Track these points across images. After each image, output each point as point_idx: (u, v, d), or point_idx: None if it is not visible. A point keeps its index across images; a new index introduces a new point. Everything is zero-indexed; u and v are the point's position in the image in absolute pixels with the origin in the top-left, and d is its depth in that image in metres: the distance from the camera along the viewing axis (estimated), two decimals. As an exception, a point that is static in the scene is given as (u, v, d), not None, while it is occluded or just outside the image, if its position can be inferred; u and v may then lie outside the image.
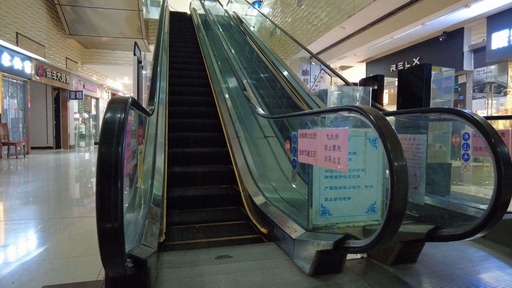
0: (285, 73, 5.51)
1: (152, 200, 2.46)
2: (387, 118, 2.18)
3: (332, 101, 3.14)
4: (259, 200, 2.73)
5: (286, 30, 12.09)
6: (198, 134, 4.15)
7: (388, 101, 11.90)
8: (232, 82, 5.05)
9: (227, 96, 4.86)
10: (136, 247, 1.44)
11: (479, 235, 1.41)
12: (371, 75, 12.28)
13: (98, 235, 0.87)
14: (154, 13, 13.08)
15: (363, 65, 13.80)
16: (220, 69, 5.91)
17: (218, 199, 3.08)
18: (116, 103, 1.04)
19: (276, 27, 9.85)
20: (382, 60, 12.60)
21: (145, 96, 7.25)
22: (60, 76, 12.46)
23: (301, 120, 2.68)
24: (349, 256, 1.88)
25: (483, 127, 1.40)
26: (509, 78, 8.61)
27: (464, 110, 1.47)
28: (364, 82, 5.75)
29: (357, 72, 14.45)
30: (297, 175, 2.42)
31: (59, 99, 13.24)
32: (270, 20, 10.92)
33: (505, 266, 1.86)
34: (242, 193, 3.07)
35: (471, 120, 1.45)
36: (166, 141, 3.67)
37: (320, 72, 7.27)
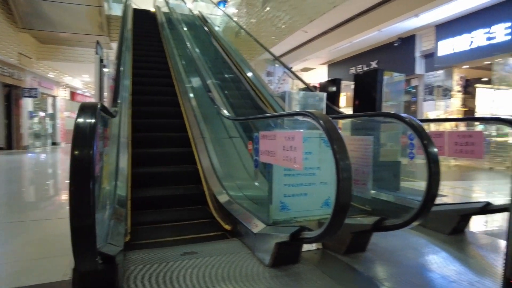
0: (250, 74, 5.64)
1: (117, 201, 2.48)
2: (342, 121, 2.39)
3: (292, 103, 3.32)
4: (223, 198, 2.84)
5: (251, 31, 12.25)
6: (163, 134, 4.17)
7: (346, 103, 12.46)
8: (197, 82, 5.09)
9: (192, 95, 4.90)
10: (104, 246, 1.49)
11: (415, 223, 1.62)
12: (331, 78, 12.78)
13: (71, 233, 0.93)
14: (116, 10, 12.68)
15: (325, 67, 14.32)
16: (185, 69, 5.92)
17: (183, 199, 3.15)
18: (87, 108, 1.11)
19: (241, 28, 9.97)
20: (343, 62, 13.16)
21: (106, 94, 7.06)
22: (13, 73, 11.73)
23: (263, 121, 2.82)
24: (306, 248, 2.05)
25: (417, 129, 1.61)
26: (454, 82, 9.39)
27: (402, 115, 1.68)
28: (323, 85, 6.04)
29: (319, 74, 14.95)
30: (259, 174, 2.55)
31: (11, 97, 12.45)
32: (235, 21, 11.02)
33: (440, 250, 2.12)
34: (207, 192, 3.16)
35: (408, 123, 1.66)
36: (130, 142, 3.66)
37: (283, 75, 7.50)
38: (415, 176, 3.28)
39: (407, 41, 10.14)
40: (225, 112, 3.24)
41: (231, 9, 16.12)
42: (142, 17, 10.60)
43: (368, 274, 1.78)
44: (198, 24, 8.15)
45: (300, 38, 10.78)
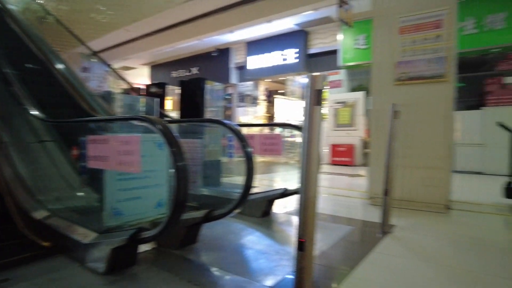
0: (63, 68, 4.97)
1: None
2: (173, 125, 2.55)
3: (119, 105, 3.22)
4: (38, 213, 2.47)
5: (63, 20, 10.64)
6: None
7: (172, 107, 12.74)
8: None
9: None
10: None
11: (237, 211, 1.97)
12: (153, 79, 12.73)
13: None
14: None
15: (147, 68, 14.09)
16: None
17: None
18: None
19: (47, 13, 8.51)
20: (165, 65, 13.32)
21: None
22: None
23: (88, 124, 2.63)
24: (141, 249, 2.09)
25: (237, 133, 1.97)
26: (260, 92, 11.21)
27: (225, 121, 2.01)
28: (150, 87, 6.02)
29: (140, 74, 14.57)
30: (87, 181, 2.39)
31: None
32: (37, 2, 9.30)
33: (255, 231, 2.61)
34: (14, 209, 2.65)
35: (230, 128, 2.00)
36: None
37: (104, 73, 6.97)
38: (233, 172, 3.81)
39: (224, 52, 11.32)
40: (37, 113, 2.80)
41: (30, -12, 13.42)
42: None
43: (199, 261, 2.02)
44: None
45: (122, 37, 10.23)
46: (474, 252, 2.23)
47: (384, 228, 2.62)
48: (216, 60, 11.49)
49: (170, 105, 12.85)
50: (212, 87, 4.03)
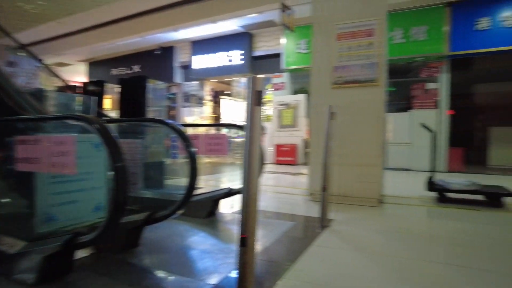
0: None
1: None
2: (112, 124, 2.46)
3: (52, 104, 3.00)
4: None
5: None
6: None
7: (112, 106, 12.07)
8: None
9: None
10: None
11: (180, 212, 1.96)
12: (92, 77, 11.98)
13: None
14: None
15: (84, 64, 13.20)
16: None
17: None
18: None
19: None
20: (105, 62, 12.60)
21: None
22: None
23: (16, 124, 2.41)
24: (80, 255, 1.98)
25: (180, 133, 1.96)
26: (205, 92, 11.13)
27: (167, 120, 1.99)
28: (87, 85, 5.66)
29: (77, 71, 13.59)
30: (13, 186, 2.19)
31: None
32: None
33: (200, 231, 2.61)
34: None
35: (173, 127, 1.98)
36: None
37: (34, 68, 6.39)
38: (177, 174, 3.75)
39: (168, 51, 11.02)
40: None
41: None
42: None
43: (142, 265, 1.97)
44: None
45: (56, 30, 9.44)
46: (402, 240, 2.48)
47: (323, 222, 2.79)
48: (160, 59, 11.15)
49: (109, 104, 12.18)
50: (154, 85, 3.92)
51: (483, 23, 6.86)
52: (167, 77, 10.85)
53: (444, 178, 4.08)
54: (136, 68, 11.80)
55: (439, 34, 7.14)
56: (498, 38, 6.76)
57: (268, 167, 8.03)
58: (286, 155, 8.51)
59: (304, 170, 7.00)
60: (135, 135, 2.77)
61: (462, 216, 3.22)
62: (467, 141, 8.86)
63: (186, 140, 1.92)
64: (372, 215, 3.25)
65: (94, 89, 5.41)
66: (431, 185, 3.88)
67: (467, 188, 3.67)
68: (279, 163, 8.58)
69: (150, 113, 4.80)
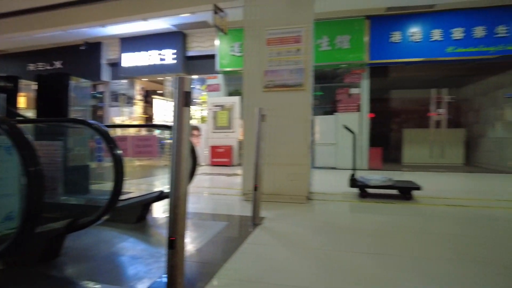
0: None
1: None
2: (27, 125, 2.26)
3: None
4: None
5: None
6: None
7: (27, 105, 10.85)
8: None
9: None
10: None
11: (105, 217, 1.86)
12: (4, 72, 10.62)
13: None
14: None
15: (-7, 58, 11.65)
16: None
17: None
18: None
19: None
20: (20, 56, 11.30)
21: None
22: None
23: None
24: (-16, 272, 1.77)
25: (104, 134, 1.86)
26: (136, 92, 10.63)
27: (89, 121, 1.88)
28: (-5, 81, 5.03)
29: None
30: None
31: None
32: None
33: (129, 237, 2.50)
34: None
35: (95, 128, 1.88)
36: None
37: None
38: (103, 178, 3.54)
39: (94, 47, 10.27)
40: None
41: None
42: None
43: (64, 275, 1.83)
44: None
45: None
46: (328, 234, 2.67)
47: (255, 220, 2.88)
48: (85, 55, 10.33)
49: (24, 102, 10.96)
50: (77, 83, 3.64)
51: (396, 36, 7.71)
52: (93, 74, 10.11)
53: (365, 175, 4.49)
54: (58, 64, 10.78)
55: (361, 43, 7.83)
56: (407, 51, 7.67)
57: (204, 168, 7.98)
58: (222, 156, 8.53)
59: (239, 171, 7.09)
60: (55, 136, 2.55)
61: (380, 209, 3.59)
62: (385, 142, 9.86)
63: (111, 142, 1.84)
64: (300, 211, 3.44)
65: (4, 85, 4.82)
66: (353, 182, 4.24)
67: (383, 184, 4.10)
68: (214, 164, 8.56)
69: (73, 113, 4.44)
